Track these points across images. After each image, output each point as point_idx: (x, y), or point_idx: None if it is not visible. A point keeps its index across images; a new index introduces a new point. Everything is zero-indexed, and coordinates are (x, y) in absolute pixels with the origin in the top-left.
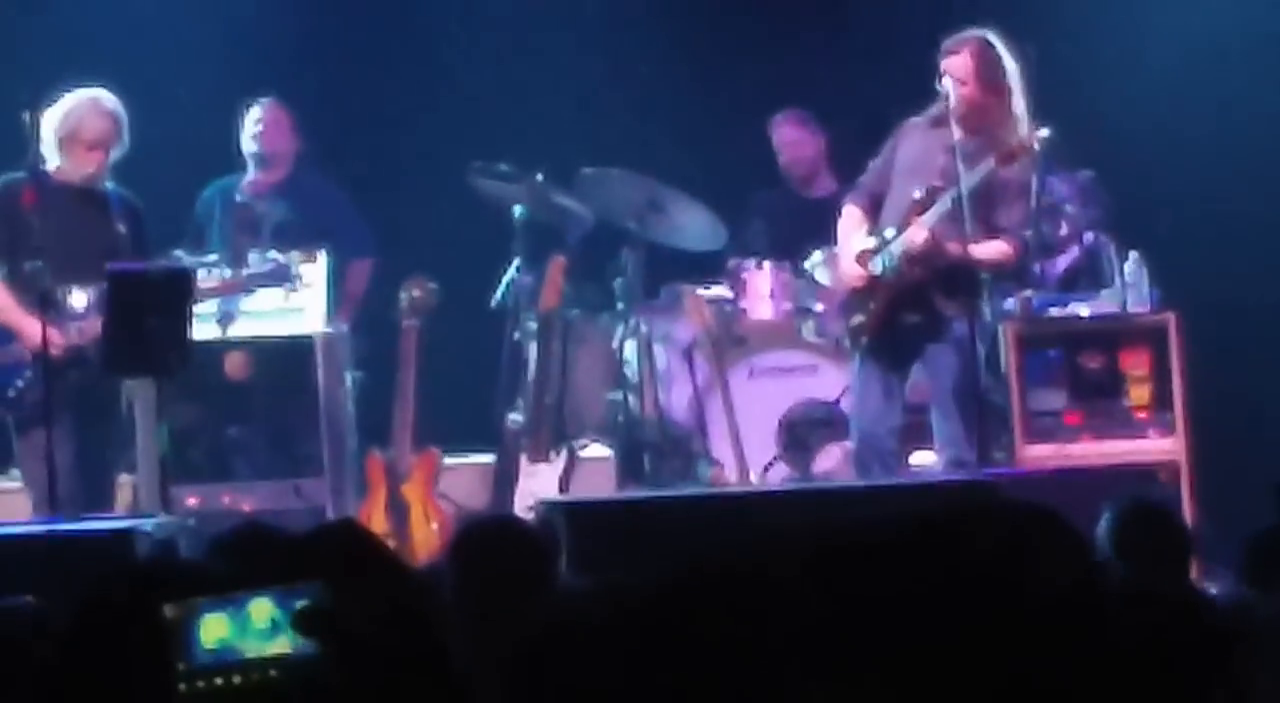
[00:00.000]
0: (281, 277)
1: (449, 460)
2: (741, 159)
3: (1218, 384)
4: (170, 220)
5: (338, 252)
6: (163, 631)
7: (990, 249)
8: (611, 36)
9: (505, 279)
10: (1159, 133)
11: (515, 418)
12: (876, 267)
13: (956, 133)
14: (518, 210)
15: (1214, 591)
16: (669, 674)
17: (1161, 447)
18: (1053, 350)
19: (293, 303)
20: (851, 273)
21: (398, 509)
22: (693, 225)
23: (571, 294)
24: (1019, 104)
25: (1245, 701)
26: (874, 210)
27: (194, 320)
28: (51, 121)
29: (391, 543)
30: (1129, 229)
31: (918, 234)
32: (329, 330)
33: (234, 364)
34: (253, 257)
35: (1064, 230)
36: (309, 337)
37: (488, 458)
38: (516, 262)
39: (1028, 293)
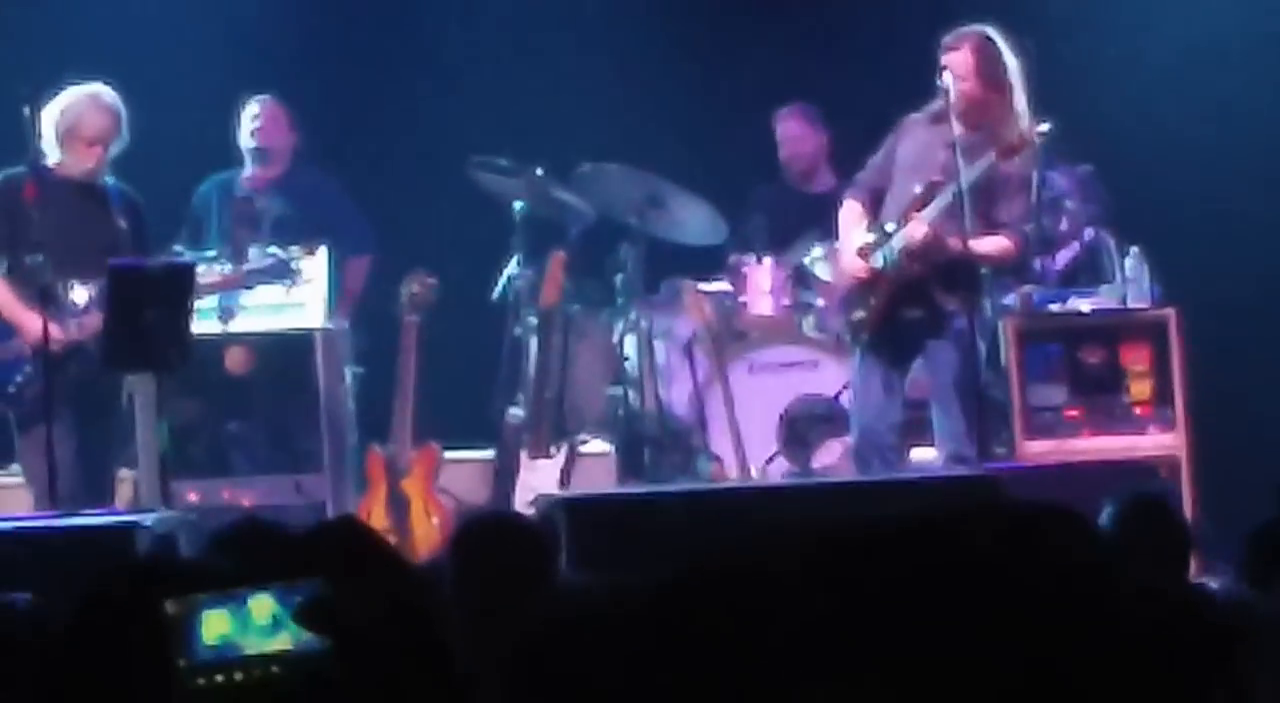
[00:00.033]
0: (281, 272)
1: (449, 456)
2: (741, 154)
3: (1218, 380)
4: (168, 215)
5: (336, 247)
6: (164, 627)
7: (991, 244)
8: (612, 32)
9: (505, 274)
10: (1160, 128)
11: (515, 413)
12: (877, 262)
13: (957, 129)
14: (518, 205)
15: (1214, 587)
16: (669, 673)
17: (1162, 442)
18: (1053, 346)
19: (293, 298)
20: (852, 268)
21: (398, 505)
22: (693, 220)
23: (572, 289)
24: (1019, 100)
25: (1246, 698)
26: (874, 206)
27: (194, 315)
28: (51, 117)
29: (392, 538)
30: (1129, 224)
31: (918, 229)
32: (329, 326)
33: (234, 359)
34: (253, 252)
35: (1064, 226)
36: (309, 332)
37: (488, 453)
38: (516, 257)
39: (1028, 288)
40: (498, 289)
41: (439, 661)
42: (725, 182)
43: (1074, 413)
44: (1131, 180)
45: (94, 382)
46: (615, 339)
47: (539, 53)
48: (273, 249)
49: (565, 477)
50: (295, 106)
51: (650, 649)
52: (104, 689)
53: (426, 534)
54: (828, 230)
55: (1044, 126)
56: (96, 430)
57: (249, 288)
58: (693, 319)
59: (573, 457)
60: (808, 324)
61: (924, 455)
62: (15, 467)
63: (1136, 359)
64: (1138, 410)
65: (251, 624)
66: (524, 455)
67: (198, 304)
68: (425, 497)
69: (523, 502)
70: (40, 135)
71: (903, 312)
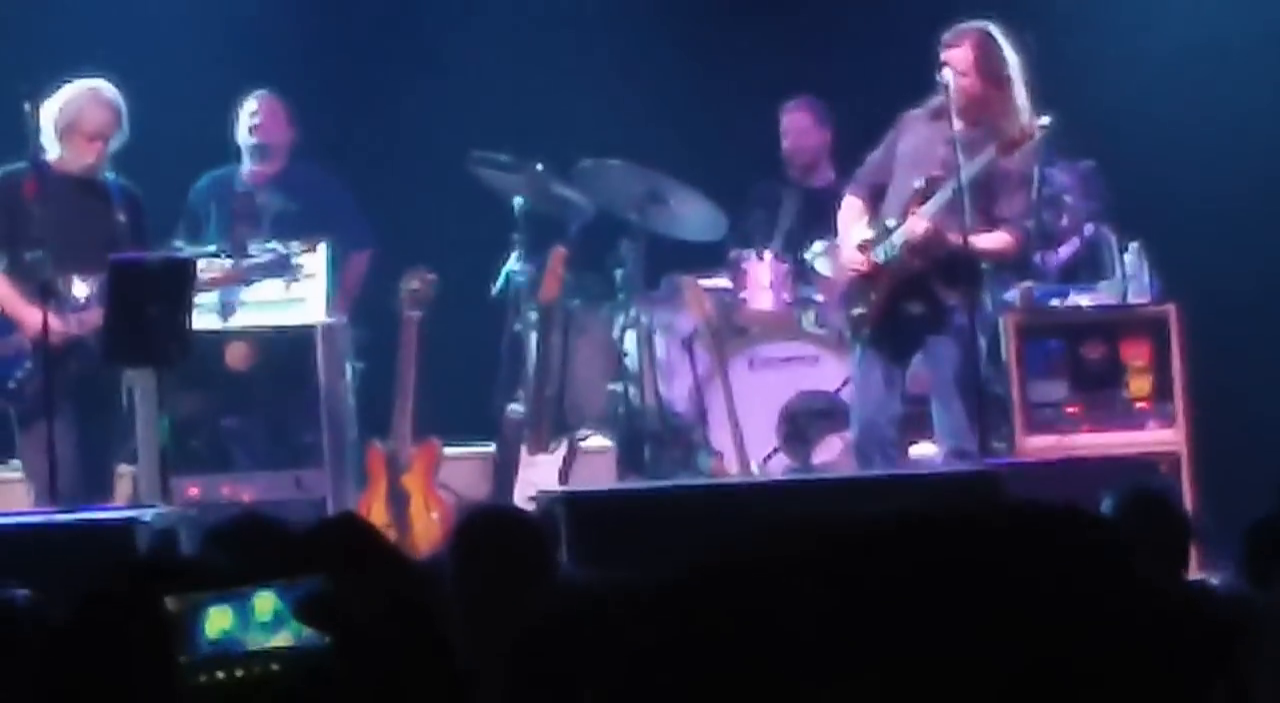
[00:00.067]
0: (282, 267)
1: (449, 451)
2: (742, 150)
3: (1218, 375)
4: (166, 210)
5: (335, 243)
6: (165, 624)
7: (991, 239)
8: (612, 28)
9: (505, 270)
10: (1160, 124)
11: (516, 409)
12: (877, 257)
13: (957, 124)
14: (518, 201)
15: (1214, 582)
16: (670, 671)
17: (1162, 438)
18: (1053, 341)
19: (293, 293)
20: (852, 263)
21: (398, 500)
22: (693, 216)
23: (572, 285)
24: (1020, 95)
25: (1246, 694)
26: (874, 202)
27: (194, 311)
28: (51, 112)
29: (392, 534)
30: (1130, 220)
31: (918, 224)
32: (330, 321)
33: (235, 355)
34: (253, 247)
35: (1065, 221)
36: (310, 327)
37: (488, 449)
38: (517, 252)
39: (1028, 284)
40: (498, 285)
41: (439, 656)
42: (725, 177)
43: (1074, 409)
44: (1132, 176)
45: (94, 377)
46: (615, 335)
47: (539, 48)
48: (273, 245)
49: (565, 472)
50: (295, 102)
51: (651, 647)
52: (104, 686)
53: (426, 530)
54: (828, 225)
55: (1044, 121)
56: (97, 426)
57: (249, 283)
58: (693, 315)
59: (573, 452)
60: (808, 320)
61: (924, 451)
62: (15, 462)
63: (1137, 355)
64: (1138, 406)
65: (253, 621)
66: (524, 451)
67: (198, 299)
68: (425, 492)
69: (523, 497)
70: (40, 131)
71: (903, 307)
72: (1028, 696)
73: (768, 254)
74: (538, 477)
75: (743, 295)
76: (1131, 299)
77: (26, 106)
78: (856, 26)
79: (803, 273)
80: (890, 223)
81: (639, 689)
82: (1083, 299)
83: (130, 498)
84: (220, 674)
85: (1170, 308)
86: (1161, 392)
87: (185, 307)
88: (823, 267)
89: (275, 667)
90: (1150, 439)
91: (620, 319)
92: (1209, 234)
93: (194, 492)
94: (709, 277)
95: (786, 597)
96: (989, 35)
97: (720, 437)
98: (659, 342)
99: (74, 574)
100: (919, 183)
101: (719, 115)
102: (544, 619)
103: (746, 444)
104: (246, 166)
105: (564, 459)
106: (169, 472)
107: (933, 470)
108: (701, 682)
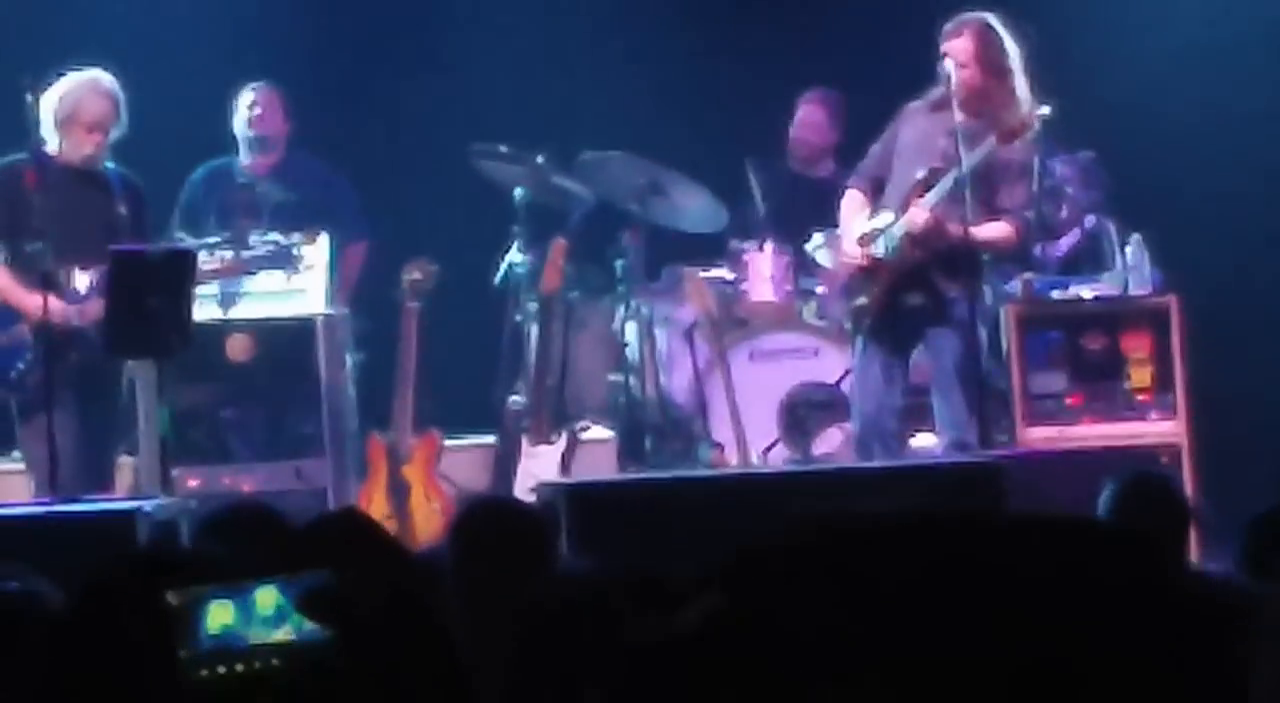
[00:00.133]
0: (282, 259)
1: (450, 442)
2: (743, 142)
3: (1219, 367)
4: (161, 202)
5: (334, 234)
6: (167, 618)
7: (992, 230)
8: (613, 18)
9: (506, 261)
10: (1161, 116)
11: (516, 400)
12: (878, 249)
13: (958, 116)
14: (519, 192)
15: (1215, 572)
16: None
17: (1162, 429)
18: (1054, 332)
19: (294, 285)
20: (853, 255)
21: (398, 491)
22: (694, 208)
23: (572, 276)
24: (1020, 86)
25: (1245, 686)
26: (875, 194)
27: (195, 302)
28: (50, 103)
29: (392, 525)
30: (1131, 211)
31: (919, 216)
32: (330, 312)
33: (235, 346)
34: (253, 238)
35: (1065, 212)
36: (310, 318)
37: (489, 440)
38: (517, 244)
39: (1029, 275)
40: (499, 276)
41: (440, 648)
42: (726, 169)
43: (1075, 400)
44: (1133, 167)
45: (95, 368)
46: (616, 326)
47: (541, 40)
48: (273, 236)
49: (566, 463)
50: (296, 94)
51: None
52: (104, 677)
53: (427, 521)
54: (828, 216)
55: (1044, 111)
56: (97, 417)
57: (250, 275)
58: (693, 306)
59: (573, 443)
60: (809, 311)
61: (925, 442)
62: (16, 453)
63: (1137, 346)
64: (1138, 397)
65: (254, 616)
66: (525, 442)
67: (199, 291)
68: (426, 483)
69: (523, 488)
70: (40, 122)
71: (904, 298)
72: (1038, 687)
73: (768, 246)
74: (538, 468)
75: (743, 287)
76: (1132, 291)
77: (28, 98)
78: (860, 17)
79: (803, 264)
80: (891, 215)
81: (640, 683)
82: (1083, 291)
83: (131, 489)
84: (221, 669)
85: (1171, 299)
86: (1162, 383)
87: (186, 298)
88: (823, 258)
89: (276, 661)
90: (1151, 431)
91: (621, 311)
92: (1210, 226)
93: (195, 483)
94: (709, 268)
95: (793, 593)
96: (989, 26)
97: (721, 428)
98: (659, 333)
99: (75, 566)
100: (921, 173)
101: (720, 107)
102: (544, 610)
103: (747, 436)
104: (245, 158)
105: (564, 450)
106: (170, 463)
107: (933, 462)
108: (703, 679)
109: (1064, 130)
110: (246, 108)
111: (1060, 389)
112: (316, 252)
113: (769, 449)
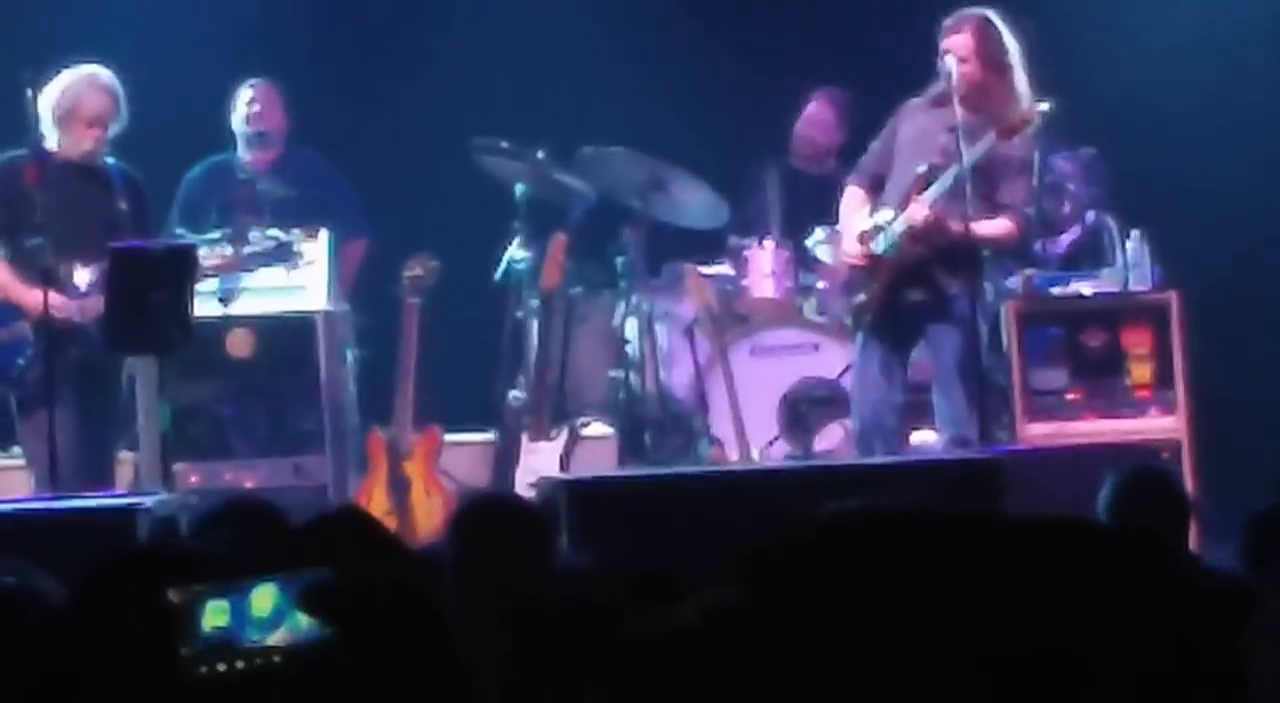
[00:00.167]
0: (283, 254)
1: (450, 438)
2: (744, 138)
3: (1219, 363)
4: (158, 198)
5: (333, 230)
6: (167, 615)
7: (992, 226)
8: (614, 14)
9: (507, 257)
10: (1162, 112)
11: (517, 396)
12: (878, 246)
13: (958, 111)
14: (519, 188)
15: (1215, 569)
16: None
17: (1163, 425)
18: (1054, 329)
19: (294, 280)
20: (853, 252)
21: (399, 487)
22: (694, 203)
23: (573, 272)
24: (1020, 82)
25: (1245, 682)
26: (875, 191)
27: (196, 298)
28: (49, 99)
29: (392, 520)
30: (1131, 208)
31: (919, 212)
32: (331, 308)
33: (236, 342)
34: (254, 234)
35: (1066, 208)
36: (311, 314)
37: (489, 436)
38: (518, 240)
39: (1030, 271)
40: (499, 272)
41: (439, 644)
42: (727, 165)
43: (1075, 396)
44: (1134, 164)
45: (95, 364)
46: (616, 322)
47: (542, 35)
48: (274, 232)
49: (566, 459)
50: (297, 89)
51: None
52: (103, 673)
53: (427, 517)
54: (828, 212)
55: (1044, 106)
56: (98, 413)
57: (250, 270)
58: (694, 302)
59: (574, 439)
60: (809, 307)
61: (925, 438)
62: (16, 449)
63: (1138, 342)
64: (1139, 394)
65: (253, 615)
66: (525, 438)
67: (199, 287)
68: (426, 479)
69: (524, 484)
70: (40, 118)
71: (904, 295)
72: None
73: (769, 242)
74: (538, 464)
75: (744, 283)
76: (1133, 287)
77: (29, 93)
78: (860, 15)
79: (804, 260)
80: (891, 212)
81: (640, 680)
82: (1084, 287)
83: (131, 485)
84: (221, 666)
85: (1171, 295)
86: (1162, 379)
87: (187, 294)
88: (824, 254)
89: (275, 660)
90: (1151, 427)
91: (621, 307)
92: (1211, 222)
93: (195, 479)
94: (710, 264)
95: (798, 589)
96: (989, 21)
97: (721, 424)
98: (660, 329)
99: (75, 562)
100: (921, 169)
101: (720, 102)
102: (544, 606)
103: (747, 431)
104: (244, 154)
105: (565, 446)
106: (170, 459)
107: (934, 458)
108: (704, 676)
109: (1065, 126)
110: (245, 104)
111: (1061, 385)
112: (317, 247)
113: (769, 445)
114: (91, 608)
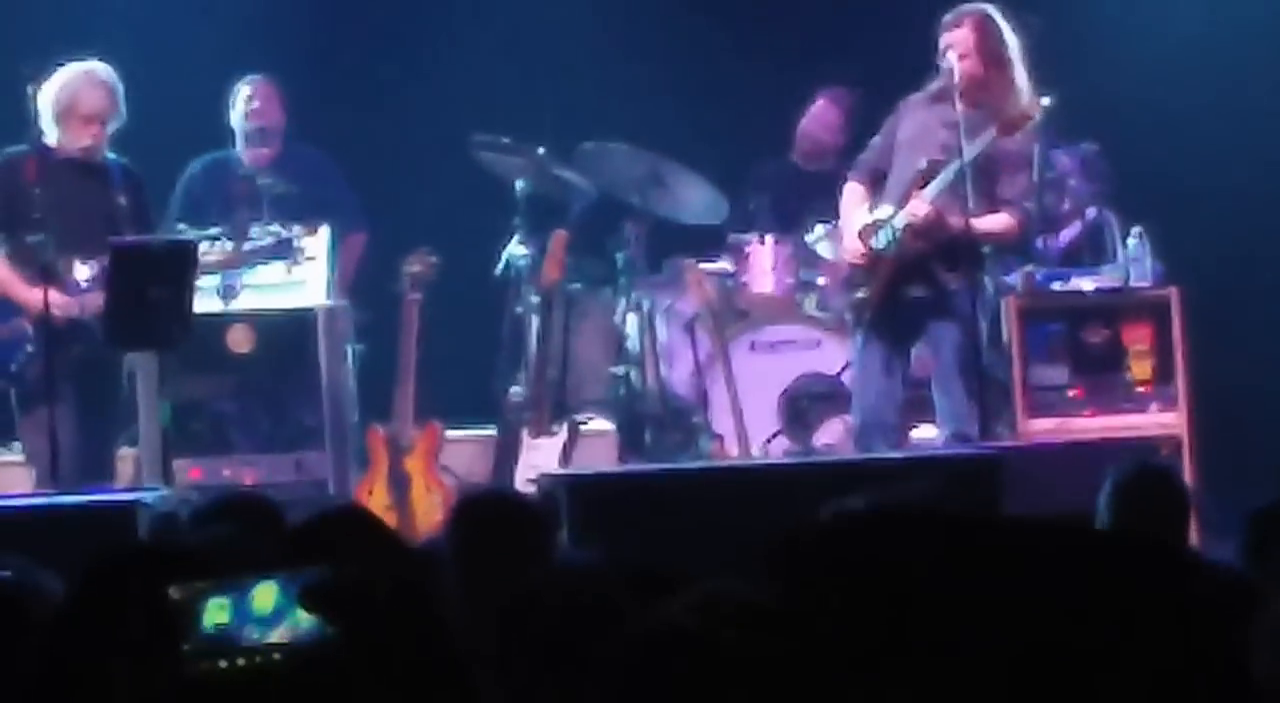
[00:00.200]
0: (283, 250)
1: (450, 434)
2: (744, 134)
3: (1219, 359)
4: (156, 194)
5: (333, 225)
6: (168, 612)
7: (993, 221)
8: (614, 9)
9: (507, 253)
10: (1163, 108)
11: (517, 391)
12: (879, 241)
13: (958, 107)
14: (520, 184)
15: (1215, 564)
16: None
17: (1163, 421)
18: (1055, 325)
19: (295, 276)
20: (854, 248)
21: (399, 483)
22: (695, 199)
23: (573, 268)
24: (1021, 77)
25: (1246, 678)
26: (876, 187)
27: (196, 293)
28: (48, 95)
29: (393, 516)
30: (1132, 203)
31: (919, 208)
32: (331, 304)
33: (236, 338)
34: (254, 230)
35: (1067, 204)
36: (311, 310)
37: (489, 431)
38: (518, 235)
39: (1030, 267)
40: (499, 268)
41: (439, 640)
42: (728, 161)
43: (1076, 392)
44: (1135, 160)
45: (96, 360)
46: (617, 318)
47: (542, 31)
48: (274, 228)
49: (566, 455)
50: (296, 86)
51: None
52: (103, 668)
53: (427, 513)
54: (829, 208)
55: (1044, 101)
56: (98, 409)
57: (250, 266)
58: (694, 298)
59: (574, 435)
60: (809, 303)
61: (926, 434)
62: (16, 445)
63: (1138, 338)
64: (1139, 389)
65: (254, 612)
66: (525, 434)
67: (199, 283)
68: (426, 475)
69: (524, 480)
70: (39, 114)
71: (905, 291)
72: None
73: (769, 238)
74: (539, 459)
75: (744, 279)
76: (1134, 283)
77: (28, 89)
78: (861, 13)
79: (804, 256)
80: (891, 207)
81: (640, 676)
82: (1085, 283)
83: (131, 481)
84: (222, 663)
85: (1172, 291)
86: (1163, 375)
87: (187, 290)
88: (824, 250)
89: (275, 657)
90: (1152, 422)
91: (621, 303)
92: (1211, 218)
93: (195, 474)
94: (710, 260)
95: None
96: (989, 17)
97: (721, 420)
98: (660, 325)
99: (75, 557)
100: (921, 165)
101: (721, 98)
102: (544, 601)
103: (748, 427)
104: (243, 151)
105: (565, 442)
106: (170, 454)
107: (934, 454)
108: (704, 673)
109: (1066, 122)
110: (244, 100)
111: (1061, 381)
112: (317, 243)
113: (769, 441)
114: (92, 604)
